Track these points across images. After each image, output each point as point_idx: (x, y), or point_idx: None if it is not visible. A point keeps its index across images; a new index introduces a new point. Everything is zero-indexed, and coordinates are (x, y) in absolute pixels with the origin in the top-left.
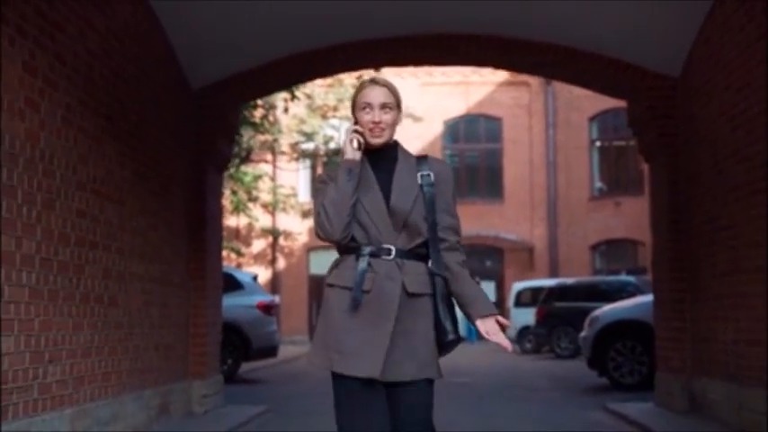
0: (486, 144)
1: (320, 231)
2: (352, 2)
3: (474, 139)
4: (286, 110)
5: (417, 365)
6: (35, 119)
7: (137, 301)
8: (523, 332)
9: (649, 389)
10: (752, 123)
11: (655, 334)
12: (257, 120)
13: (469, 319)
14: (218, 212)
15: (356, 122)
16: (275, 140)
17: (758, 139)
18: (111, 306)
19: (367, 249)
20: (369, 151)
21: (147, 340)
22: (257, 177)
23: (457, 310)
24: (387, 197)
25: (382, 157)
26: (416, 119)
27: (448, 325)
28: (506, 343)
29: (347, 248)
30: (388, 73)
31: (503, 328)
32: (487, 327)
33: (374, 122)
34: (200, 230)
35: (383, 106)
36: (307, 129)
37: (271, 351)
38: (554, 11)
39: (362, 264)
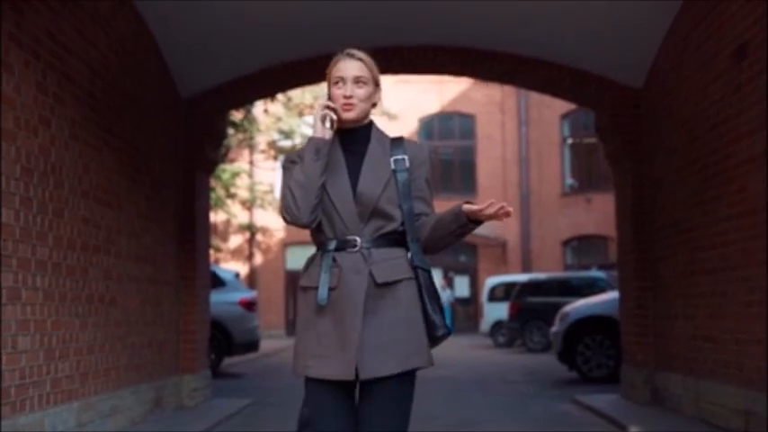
0: (459, 141)
1: (286, 215)
2: (335, 13)
3: (448, 135)
4: (266, 111)
5: (400, 357)
6: (46, 134)
7: (133, 300)
8: (497, 326)
9: (617, 381)
10: (708, 135)
11: (621, 329)
12: (237, 120)
13: (459, 216)
14: (206, 214)
15: (330, 98)
16: (252, 138)
17: (714, 150)
18: (112, 306)
19: (332, 244)
20: (341, 131)
21: (143, 337)
22: (235, 174)
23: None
24: (354, 183)
25: (355, 137)
26: (392, 116)
27: (437, 319)
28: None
29: (317, 243)
30: None
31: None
32: (479, 204)
33: (345, 96)
34: (189, 232)
35: (357, 80)
36: (284, 127)
37: (252, 346)
38: (524, 25)
39: (327, 260)
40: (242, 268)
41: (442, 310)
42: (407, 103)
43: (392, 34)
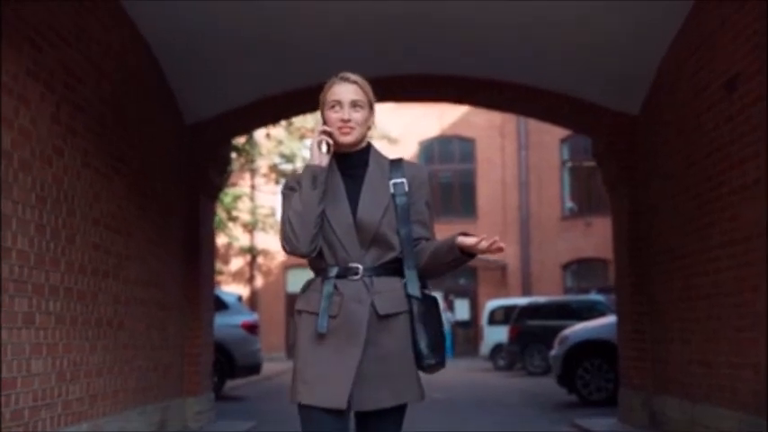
0: (459, 164)
1: (286, 245)
2: (336, 44)
3: (448, 159)
4: (267, 135)
5: (394, 392)
6: (60, 164)
7: (140, 324)
8: (496, 350)
9: (615, 405)
10: (702, 163)
11: (619, 353)
12: (239, 144)
13: (454, 248)
14: (211, 238)
15: (325, 122)
16: (253, 162)
17: (708, 177)
18: (120, 330)
19: (333, 271)
20: (339, 155)
21: (149, 360)
22: (237, 197)
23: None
24: (354, 209)
25: (353, 161)
26: (392, 140)
27: (424, 348)
28: (499, 241)
29: (316, 269)
30: None
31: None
32: (473, 238)
33: (343, 120)
34: (195, 256)
35: (353, 104)
36: (285, 150)
37: (254, 369)
38: (522, 54)
39: (328, 287)
40: (243, 291)
41: (440, 338)
42: (407, 126)
43: (392, 63)
